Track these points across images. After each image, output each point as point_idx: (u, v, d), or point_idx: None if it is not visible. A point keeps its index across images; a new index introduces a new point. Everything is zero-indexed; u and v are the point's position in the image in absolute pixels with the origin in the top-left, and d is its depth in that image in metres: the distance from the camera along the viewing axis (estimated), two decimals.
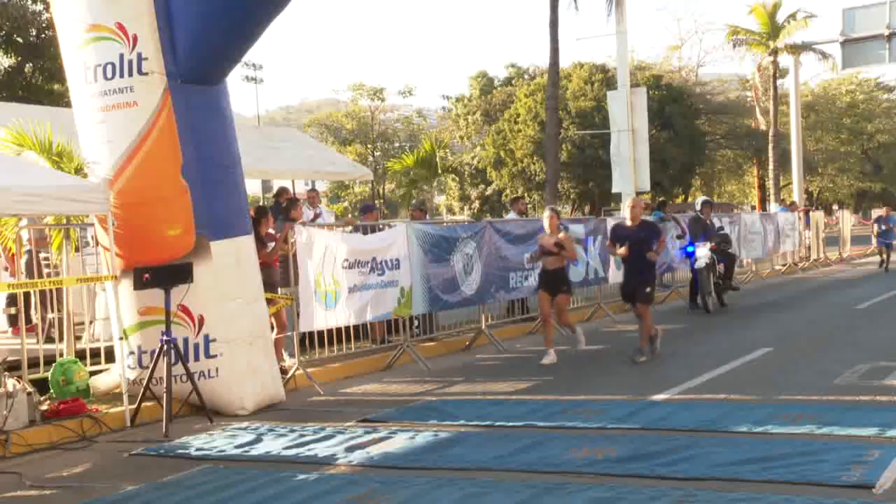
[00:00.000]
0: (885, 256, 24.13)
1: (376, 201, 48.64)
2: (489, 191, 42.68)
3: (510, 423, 7.77)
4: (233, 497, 6.02)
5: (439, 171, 27.87)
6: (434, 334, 12.88)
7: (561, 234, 11.26)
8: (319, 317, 10.17)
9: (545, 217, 11.44)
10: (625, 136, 21.13)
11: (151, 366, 8.54)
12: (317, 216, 14.17)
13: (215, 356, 8.89)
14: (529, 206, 35.96)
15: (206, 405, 8.69)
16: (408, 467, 6.55)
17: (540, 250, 11.27)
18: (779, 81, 36.48)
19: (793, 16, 34.24)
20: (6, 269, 11.75)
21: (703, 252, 15.84)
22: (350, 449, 7.12)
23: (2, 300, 12.17)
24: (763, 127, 38.79)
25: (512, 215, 16.31)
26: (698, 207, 17.16)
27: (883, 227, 24.40)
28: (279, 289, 10.68)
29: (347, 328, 11.17)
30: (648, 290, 10.98)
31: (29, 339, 9.49)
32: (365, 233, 11.97)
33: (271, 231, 10.66)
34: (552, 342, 11.21)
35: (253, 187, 34.23)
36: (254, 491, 6.11)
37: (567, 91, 36.81)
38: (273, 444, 7.47)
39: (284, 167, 17.55)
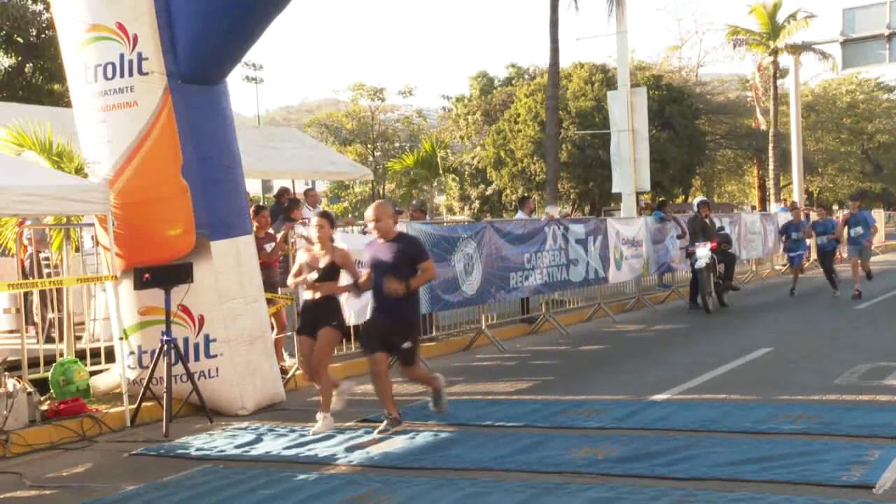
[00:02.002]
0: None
1: (377, 201, 48.61)
2: (489, 191, 42.66)
3: (510, 423, 7.77)
4: (233, 497, 6.02)
5: (439, 171, 27.86)
6: (434, 334, 12.88)
7: (338, 251, 8.10)
8: None
9: (312, 225, 8.17)
10: (625, 136, 21.14)
11: (151, 366, 8.54)
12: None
13: (215, 356, 8.89)
14: None
15: (206, 405, 8.68)
16: (408, 467, 6.55)
17: (303, 270, 8.11)
18: (779, 81, 36.48)
19: (793, 16, 34.24)
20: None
21: (703, 252, 15.85)
22: (350, 449, 7.12)
23: (2, 300, 12.16)
24: (763, 127, 38.78)
25: (521, 215, 16.30)
26: (695, 208, 17.19)
27: (851, 233, 17.49)
28: (279, 289, 10.68)
29: (347, 328, 11.15)
30: (408, 344, 7.59)
31: (29, 338, 9.49)
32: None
33: (271, 231, 10.66)
34: (329, 401, 8.02)
35: (253, 187, 34.25)
36: (254, 491, 6.11)
37: (567, 91, 36.80)
38: (273, 444, 7.47)
39: (284, 167, 17.56)
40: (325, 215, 8.28)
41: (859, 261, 17.08)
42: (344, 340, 11.21)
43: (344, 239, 10.96)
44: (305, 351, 8.06)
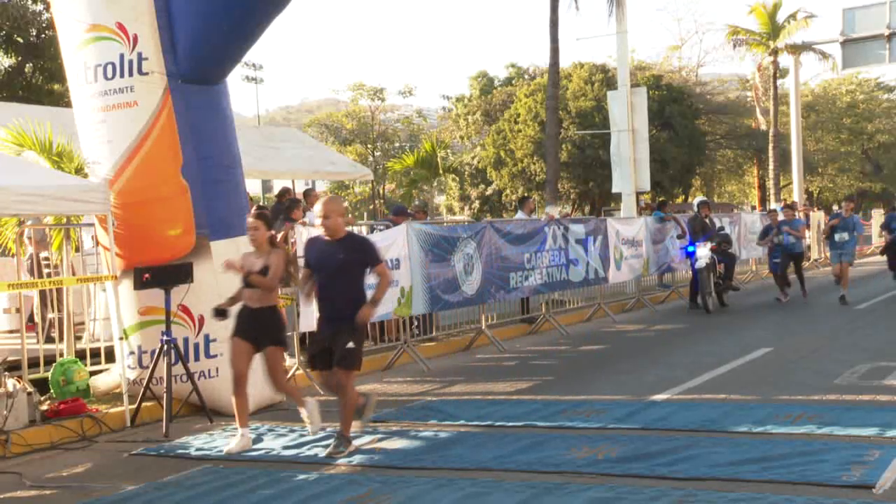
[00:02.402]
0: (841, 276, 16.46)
1: (377, 201, 48.70)
2: (489, 191, 42.66)
3: (510, 423, 7.77)
4: (233, 497, 6.02)
5: (439, 171, 27.86)
6: (434, 334, 12.88)
7: (275, 254, 7.49)
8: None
9: (249, 226, 7.59)
10: (625, 136, 21.14)
11: (151, 366, 8.54)
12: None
13: (215, 356, 8.89)
14: None
15: (206, 405, 8.69)
16: (408, 467, 6.55)
17: (242, 275, 7.51)
18: (779, 81, 36.48)
19: (793, 16, 34.25)
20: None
21: (703, 252, 15.85)
22: None
23: (2, 300, 12.17)
24: (763, 127, 38.79)
25: (521, 215, 16.30)
26: (696, 208, 17.20)
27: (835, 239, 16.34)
28: (279, 289, 10.67)
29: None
30: (351, 345, 6.99)
31: (28, 338, 9.49)
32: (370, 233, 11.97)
33: (271, 231, 10.64)
34: (246, 420, 7.49)
35: (253, 187, 34.24)
36: (254, 491, 6.11)
37: (567, 91, 36.80)
38: (273, 444, 7.47)
39: (284, 167, 17.56)
40: (260, 215, 7.70)
41: (842, 265, 16.01)
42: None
43: None
44: (236, 354, 7.39)
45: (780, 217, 17.60)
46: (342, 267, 6.99)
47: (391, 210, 15.50)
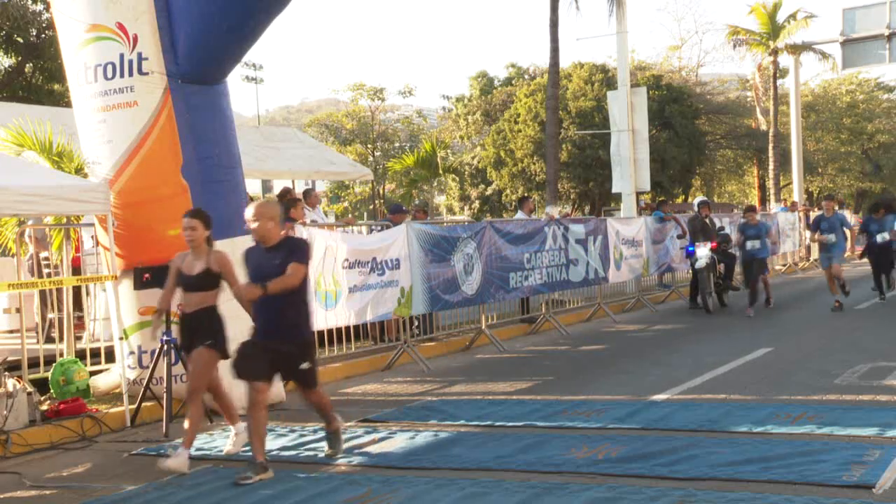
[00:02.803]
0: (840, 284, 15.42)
1: (377, 201, 48.67)
2: (489, 191, 42.64)
3: (510, 423, 7.77)
4: (233, 497, 6.02)
5: (439, 171, 27.87)
6: (434, 334, 12.89)
7: (215, 255, 7.04)
8: (319, 317, 10.16)
9: (184, 225, 7.05)
10: (625, 136, 21.14)
11: (151, 366, 8.53)
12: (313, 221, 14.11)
13: None
14: None
15: (206, 405, 8.66)
16: (408, 467, 6.55)
17: (177, 281, 7.11)
18: (779, 81, 36.48)
19: (793, 16, 34.24)
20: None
21: (703, 252, 15.85)
22: (350, 449, 7.12)
23: (2, 300, 12.17)
24: (763, 127, 38.78)
25: (520, 215, 16.30)
26: (696, 208, 17.19)
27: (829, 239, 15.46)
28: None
29: (347, 328, 11.17)
30: (306, 365, 6.62)
31: (28, 338, 9.49)
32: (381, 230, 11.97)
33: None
34: (236, 416, 7.33)
35: (253, 187, 34.20)
36: (254, 491, 6.11)
37: (567, 91, 36.79)
38: (273, 444, 7.46)
39: (284, 167, 17.56)
40: (196, 214, 7.12)
41: (832, 267, 14.93)
42: (345, 339, 11.23)
43: (344, 239, 10.98)
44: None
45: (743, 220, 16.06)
46: (279, 273, 6.41)
47: (388, 209, 15.49)
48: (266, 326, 6.54)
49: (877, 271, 16.20)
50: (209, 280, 6.97)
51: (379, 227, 12.33)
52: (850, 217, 27.17)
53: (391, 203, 23.59)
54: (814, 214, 26.38)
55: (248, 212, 6.61)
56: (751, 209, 16.37)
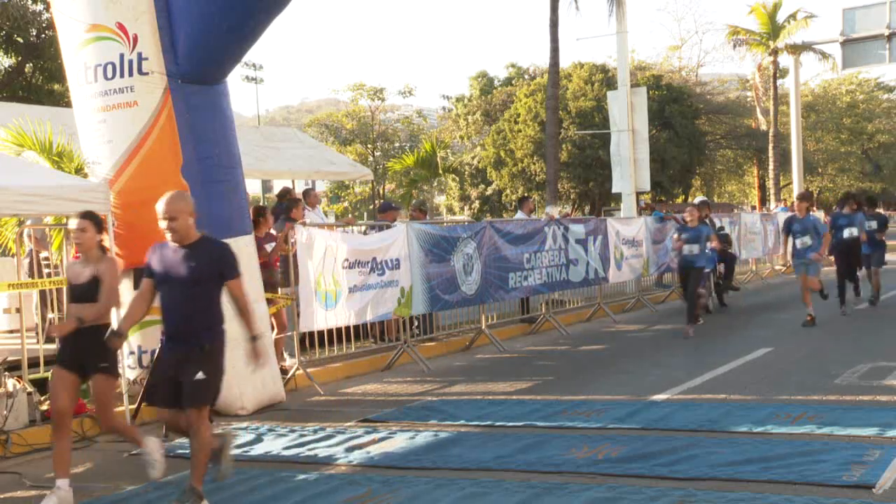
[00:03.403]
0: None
1: (377, 201, 48.66)
2: (489, 191, 42.67)
3: (510, 423, 7.77)
4: (233, 497, 6.02)
5: (439, 171, 27.87)
6: (434, 334, 12.88)
7: (105, 262, 6.35)
8: (319, 317, 10.16)
9: (75, 227, 6.41)
10: (625, 136, 21.14)
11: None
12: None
13: None
14: None
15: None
16: (408, 467, 6.55)
17: (69, 293, 6.46)
18: (779, 81, 36.50)
19: (793, 16, 34.27)
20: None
21: None
22: (350, 449, 7.12)
23: (2, 300, 12.16)
24: (763, 127, 38.81)
25: (520, 215, 16.31)
26: None
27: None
28: (279, 289, 10.68)
29: (347, 328, 11.17)
30: (202, 375, 5.71)
31: (28, 338, 9.48)
32: (367, 233, 11.98)
33: (272, 231, 10.66)
34: (67, 469, 6.07)
35: (253, 187, 34.22)
36: (253, 491, 6.11)
37: (567, 91, 36.80)
38: (273, 444, 7.47)
39: (284, 167, 17.55)
40: (88, 216, 6.38)
41: (807, 278, 13.32)
42: (344, 339, 11.23)
43: (344, 239, 10.98)
44: (57, 387, 6.14)
45: (687, 218, 13.95)
46: (195, 278, 5.72)
47: (378, 208, 15.50)
48: (175, 334, 5.83)
49: (841, 276, 14.68)
50: (96, 290, 6.13)
51: (378, 228, 12.32)
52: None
53: (383, 202, 23.46)
54: (814, 214, 26.05)
55: (160, 207, 5.76)
56: (695, 205, 14.07)
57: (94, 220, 6.38)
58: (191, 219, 5.83)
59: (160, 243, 5.96)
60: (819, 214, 22.03)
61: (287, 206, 11.90)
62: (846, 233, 14.81)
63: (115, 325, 6.42)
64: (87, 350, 6.07)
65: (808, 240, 13.22)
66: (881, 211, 17.70)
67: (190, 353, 5.74)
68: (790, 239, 13.59)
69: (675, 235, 13.71)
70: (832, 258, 15.34)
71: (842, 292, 14.53)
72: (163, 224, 5.78)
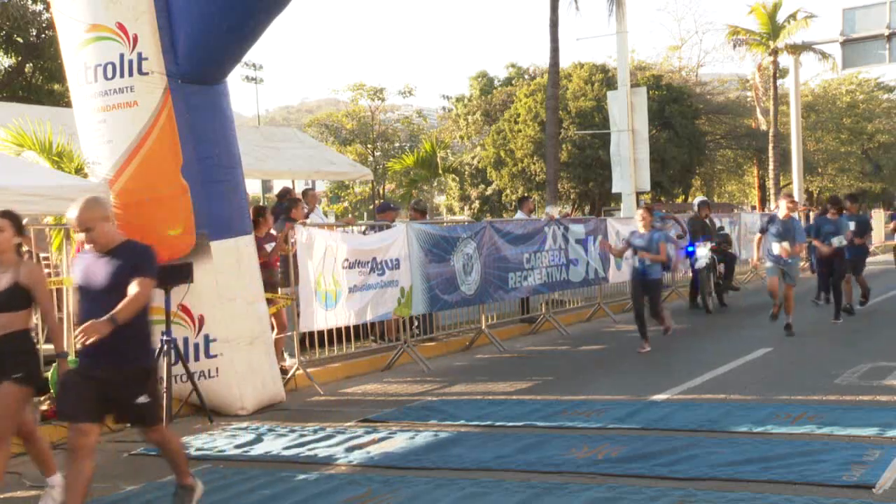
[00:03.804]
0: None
1: (377, 201, 48.68)
2: (489, 191, 42.65)
3: (510, 423, 7.77)
4: (233, 497, 6.02)
5: (439, 171, 27.88)
6: (434, 334, 12.88)
7: (26, 267, 5.77)
8: (319, 317, 10.17)
9: None
10: (625, 136, 21.14)
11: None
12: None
13: (215, 356, 8.89)
14: None
15: (206, 405, 8.68)
16: (408, 467, 6.55)
17: None
18: (779, 81, 36.49)
19: (793, 16, 34.25)
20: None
21: (703, 252, 15.85)
22: (350, 449, 7.12)
23: None
24: (763, 127, 38.80)
25: (520, 215, 16.31)
26: (696, 208, 17.19)
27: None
28: (279, 289, 10.68)
29: (347, 328, 11.17)
30: (144, 399, 5.40)
31: None
32: (367, 233, 11.99)
33: (273, 232, 10.66)
34: (51, 466, 6.15)
35: (253, 187, 34.22)
36: (253, 491, 6.11)
37: (567, 91, 36.80)
38: (273, 444, 7.47)
39: (284, 167, 17.55)
40: (6, 214, 5.83)
41: (776, 282, 12.11)
42: (344, 339, 11.23)
43: (344, 239, 10.98)
44: None
45: (637, 222, 11.93)
46: (113, 285, 5.27)
47: (377, 208, 15.49)
48: (92, 352, 5.23)
49: (827, 283, 14.01)
50: (17, 297, 5.63)
51: (378, 228, 12.32)
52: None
53: (382, 202, 23.34)
54: (813, 214, 26.13)
55: (73, 219, 5.36)
56: (647, 209, 12.12)
57: (12, 218, 5.79)
58: (108, 224, 5.40)
59: (83, 252, 5.60)
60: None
61: (287, 206, 11.90)
62: (835, 241, 13.51)
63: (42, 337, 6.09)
64: (4, 358, 5.61)
65: (787, 245, 11.91)
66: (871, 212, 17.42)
67: (121, 373, 5.29)
68: (765, 239, 12.30)
69: (624, 243, 12.22)
70: (806, 265, 14.26)
71: (837, 300, 13.70)
72: (79, 236, 5.44)
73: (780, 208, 12.33)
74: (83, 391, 5.28)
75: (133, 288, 5.25)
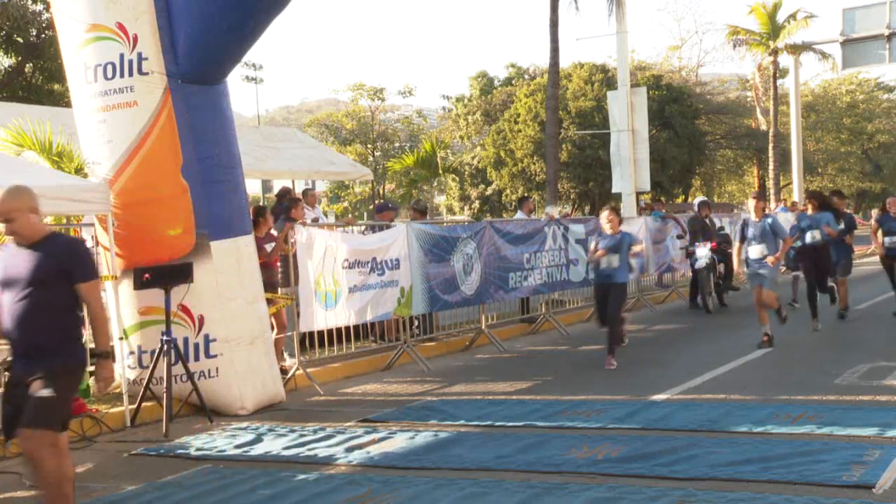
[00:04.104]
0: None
1: (377, 201, 48.69)
2: (489, 191, 42.66)
3: (510, 423, 7.77)
4: (233, 497, 6.02)
5: (439, 171, 27.88)
6: (434, 334, 12.88)
7: None
8: (319, 317, 10.17)
9: None
10: (625, 136, 21.14)
11: (151, 366, 8.54)
12: (315, 219, 14.10)
13: (215, 356, 8.89)
14: None
15: (206, 405, 8.68)
16: (408, 467, 6.55)
17: None
18: (779, 81, 36.50)
19: (793, 16, 34.26)
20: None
21: (703, 252, 15.85)
22: (350, 449, 7.12)
23: None
24: (763, 127, 38.81)
25: (520, 215, 16.31)
26: (696, 208, 17.18)
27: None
28: (279, 289, 10.68)
29: (347, 328, 11.16)
30: (47, 392, 4.94)
31: None
32: (373, 231, 11.98)
33: (273, 232, 10.66)
34: None
35: (253, 187, 34.23)
36: (253, 491, 6.11)
37: (567, 91, 36.80)
38: (273, 445, 7.47)
39: (284, 167, 17.55)
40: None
41: (762, 291, 11.23)
42: (344, 339, 11.22)
43: (344, 239, 10.98)
44: None
45: (604, 224, 11.04)
46: (36, 280, 5.01)
47: (375, 209, 15.49)
48: (21, 347, 5.08)
49: (810, 285, 12.97)
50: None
51: (378, 228, 12.32)
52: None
53: (380, 202, 23.10)
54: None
55: None
56: (613, 210, 11.31)
57: None
58: (33, 215, 5.12)
59: (5, 244, 5.36)
60: (787, 216, 18.45)
61: (287, 206, 11.90)
62: (808, 236, 12.93)
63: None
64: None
65: (764, 249, 11.15)
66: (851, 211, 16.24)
67: (37, 367, 4.99)
68: (743, 247, 11.43)
69: (593, 245, 11.12)
70: (783, 269, 13.35)
71: (812, 304, 12.83)
72: (6, 227, 5.15)
73: (750, 210, 11.60)
74: (13, 397, 5.10)
75: (87, 299, 5.14)
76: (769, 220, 11.29)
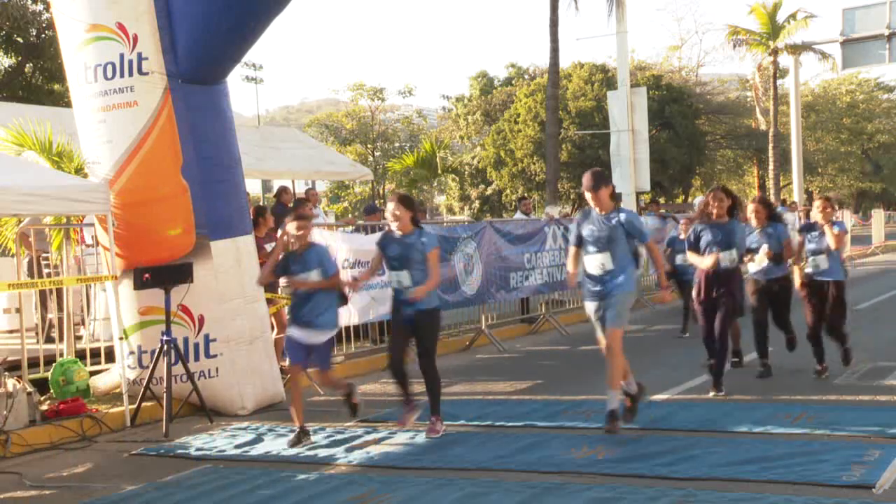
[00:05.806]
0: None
1: (377, 201, 48.69)
2: (489, 191, 42.68)
3: (510, 423, 7.77)
4: (233, 497, 6.02)
5: (439, 171, 27.91)
6: None
7: None
8: None
9: None
10: (625, 136, 21.14)
11: (151, 366, 8.53)
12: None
13: (215, 356, 8.89)
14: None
15: (206, 405, 8.68)
16: (408, 467, 6.55)
17: None
18: (779, 81, 36.53)
19: (793, 16, 34.29)
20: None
21: None
22: (350, 449, 7.13)
23: (2, 300, 12.16)
24: (763, 127, 38.82)
25: (519, 215, 16.31)
26: (696, 208, 17.17)
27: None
28: (279, 289, 10.67)
29: (347, 328, 11.16)
30: None
31: (29, 338, 9.48)
32: (367, 233, 11.97)
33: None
34: None
35: (253, 187, 34.21)
36: (254, 491, 6.11)
37: (567, 91, 36.82)
38: (273, 444, 7.47)
39: (284, 167, 17.57)
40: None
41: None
42: (344, 339, 11.21)
43: (345, 239, 10.97)
44: None
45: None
46: None
47: (363, 210, 15.49)
48: None
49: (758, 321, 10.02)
50: None
51: (368, 229, 12.29)
52: (851, 217, 20.99)
53: (367, 204, 22.82)
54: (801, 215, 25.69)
55: None
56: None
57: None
58: None
59: None
60: (790, 217, 16.53)
61: (294, 207, 11.89)
62: (724, 257, 9.24)
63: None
64: None
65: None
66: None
67: None
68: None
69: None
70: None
71: (761, 346, 9.87)
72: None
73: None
74: None
75: None
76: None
